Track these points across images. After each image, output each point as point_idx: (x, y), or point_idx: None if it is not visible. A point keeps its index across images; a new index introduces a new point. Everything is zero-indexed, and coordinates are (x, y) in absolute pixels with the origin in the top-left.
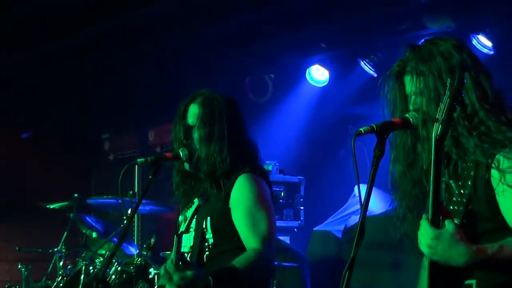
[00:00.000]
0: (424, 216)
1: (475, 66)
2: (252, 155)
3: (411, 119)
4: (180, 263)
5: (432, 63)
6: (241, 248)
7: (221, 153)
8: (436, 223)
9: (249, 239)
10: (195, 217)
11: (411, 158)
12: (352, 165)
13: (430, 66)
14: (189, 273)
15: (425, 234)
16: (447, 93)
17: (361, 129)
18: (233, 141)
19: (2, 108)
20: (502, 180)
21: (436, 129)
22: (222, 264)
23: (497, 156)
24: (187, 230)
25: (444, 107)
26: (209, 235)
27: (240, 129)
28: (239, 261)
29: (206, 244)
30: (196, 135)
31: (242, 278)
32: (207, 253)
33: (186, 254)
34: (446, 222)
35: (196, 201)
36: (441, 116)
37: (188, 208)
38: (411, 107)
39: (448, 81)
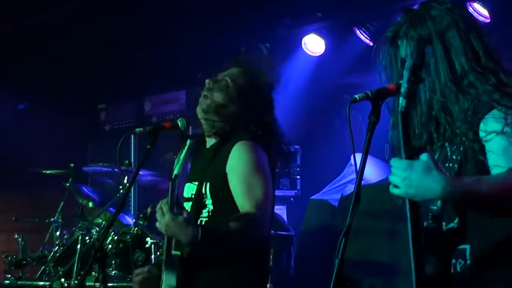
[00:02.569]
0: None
1: (468, 28)
2: (259, 122)
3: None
4: (175, 207)
5: (422, 27)
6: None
7: (230, 117)
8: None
9: (244, 204)
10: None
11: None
12: (348, 135)
13: (420, 31)
14: (180, 217)
15: (397, 169)
16: (406, 66)
17: (356, 96)
18: (243, 107)
19: None
20: (489, 138)
21: (400, 103)
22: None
23: (483, 120)
24: (179, 173)
25: (405, 79)
26: (208, 201)
27: (253, 96)
28: (231, 222)
29: (205, 210)
30: (218, 95)
31: (232, 238)
32: (205, 219)
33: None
34: (421, 155)
35: (188, 142)
36: (403, 90)
37: (181, 151)
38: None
39: (408, 52)
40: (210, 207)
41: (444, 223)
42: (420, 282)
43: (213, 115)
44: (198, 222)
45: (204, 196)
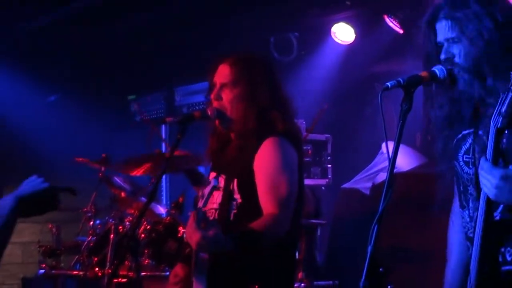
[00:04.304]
0: (483, 158)
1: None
2: (285, 116)
3: (437, 72)
4: (202, 222)
5: (467, 9)
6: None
7: (251, 113)
8: (497, 164)
9: (267, 203)
10: (224, 176)
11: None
12: (379, 123)
13: (466, 11)
14: (210, 234)
15: (490, 175)
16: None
17: (387, 84)
18: (264, 102)
19: (29, 72)
20: None
21: (495, 121)
22: (248, 223)
23: None
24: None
25: (506, 100)
26: (236, 195)
27: (272, 89)
28: (255, 227)
29: (234, 203)
30: (226, 94)
31: (258, 242)
32: (234, 211)
33: (214, 211)
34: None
35: (214, 181)
36: (502, 108)
37: (207, 185)
38: (442, 56)
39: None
40: (239, 200)
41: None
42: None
43: (235, 126)
44: (228, 214)
45: (232, 190)
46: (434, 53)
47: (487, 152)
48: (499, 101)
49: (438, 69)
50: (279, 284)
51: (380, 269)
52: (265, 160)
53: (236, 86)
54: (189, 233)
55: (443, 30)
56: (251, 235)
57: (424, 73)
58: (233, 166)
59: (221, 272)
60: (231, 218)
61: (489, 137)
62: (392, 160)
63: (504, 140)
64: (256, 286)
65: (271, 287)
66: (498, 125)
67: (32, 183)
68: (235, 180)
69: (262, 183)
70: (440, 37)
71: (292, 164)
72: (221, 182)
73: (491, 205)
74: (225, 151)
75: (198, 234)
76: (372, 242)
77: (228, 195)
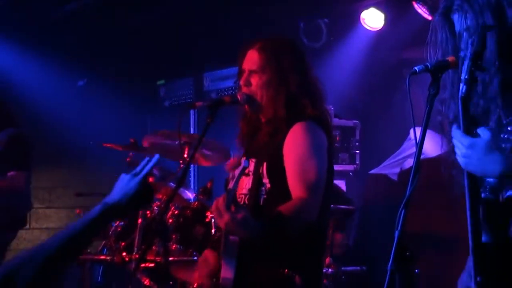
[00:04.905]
0: (454, 126)
1: None
2: (315, 101)
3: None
4: (232, 204)
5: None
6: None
7: (280, 99)
8: (470, 132)
9: (296, 187)
10: (254, 161)
11: None
12: (408, 109)
13: (473, 3)
14: (239, 216)
15: (459, 143)
16: (467, 54)
17: (415, 68)
18: (293, 87)
19: (58, 57)
20: None
21: (461, 89)
22: (278, 207)
23: None
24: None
25: (465, 68)
26: (265, 180)
27: (301, 74)
28: (284, 211)
29: (263, 188)
30: (255, 80)
31: (286, 226)
32: (264, 196)
33: (244, 196)
34: (480, 130)
35: (245, 162)
36: (464, 76)
37: (238, 166)
38: (462, 45)
39: (469, 41)
40: (268, 185)
41: (501, 194)
42: (478, 251)
43: (264, 112)
44: (257, 199)
45: (262, 175)
46: (453, 41)
47: (459, 120)
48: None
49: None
50: (309, 269)
51: (407, 253)
52: (294, 144)
53: (264, 72)
54: (218, 214)
55: (458, 21)
56: (279, 220)
57: (451, 58)
58: (263, 151)
59: (251, 256)
60: (261, 203)
61: (458, 105)
62: (420, 145)
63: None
64: (286, 270)
65: (300, 272)
66: (462, 92)
67: (120, 185)
68: (265, 164)
69: (291, 168)
70: (457, 28)
71: (321, 149)
72: (251, 166)
73: (474, 182)
74: (256, 136)
75: (227, 215)
76: (400, 226)
77: (257, 180)
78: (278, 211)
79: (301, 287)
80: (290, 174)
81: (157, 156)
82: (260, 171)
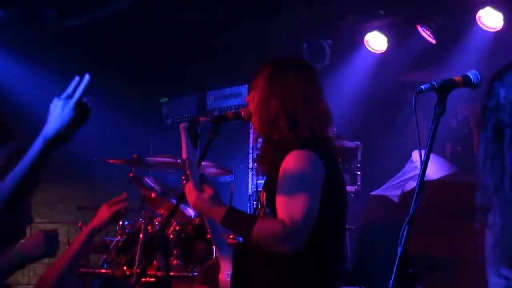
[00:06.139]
0: None
1: None
2: (317, 124)
3: (472, 77)
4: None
5: None
6: None
7: (277, 119)
8: None
9: (282, 215)
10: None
11: None
12: (410, 132)
13: None
14: (205, 194)
15: None
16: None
17: (421, 86)
18: (292, 108)
19: (61, 72)
20: None
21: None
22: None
23: None
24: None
25: None
26: (267, 210)
27: (305, 94)
28: (262, 223)
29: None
30: (253, 97)
31: (250, 233)
32: None
33: None
34: None
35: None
36: None
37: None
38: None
39: None
40: (267, 210)
41: None
42: None
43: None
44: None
45: (263, 205)
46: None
47: None
48: None
49: (472, 74)
50: None
51: (410, 270)
52: (285, 174)
53: (261, 89)
54: (187, 192)
55: None
56: (242, 220)
57: (458, 78)
58: (265, 180)
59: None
60: None
61: None
62: (425, 161)
63: None
64: None
65: None
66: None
67: (55, 114)
68: (264, 195)
69: (279, 197)
70: None
71: (313, 180)
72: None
73: None
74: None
75: (194, 193)
76: (403, 243)
77: (261, 210)
78: (256, 217)
79: None
80: (278, 204)
81: (87, 76)
82: (262, 200)
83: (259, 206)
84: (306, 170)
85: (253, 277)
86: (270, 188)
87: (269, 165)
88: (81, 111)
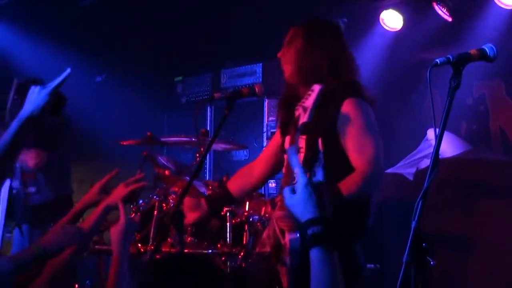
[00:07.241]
0: None
1: None
2: (354, 71)
3: (487, 50)
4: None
5: None
6: (350, 169)
7: (321, 68)
8: None
9: (357, 162)
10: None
11: None
12: (425, 110)
13: None
14: None
15: None
16: None
17: (436, 60)
18: (335, 58)
19: (76, 53)
20: None
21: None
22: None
23: None
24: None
25: None
26: (320, 155)
27: (341, 48)
28: (344, 183)
29: (318, 163)
30: (291, 50)
31: (343, 200)
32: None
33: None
34: None
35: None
36: None
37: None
38: None
39: None
40: (322, 161)
41: None
42: None
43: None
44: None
45: (317, 149)
46: None
47: None
48: None
49: (488, 47)
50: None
51: (424, 244)
52: (351, 120)
53: (305, 42)
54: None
55: None
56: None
57: (473, 51)
58: (315, 126)
59: None
60: None
61: None
62: (439, 136)
63: None
64: None
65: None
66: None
67: (31, 98)
68: (320, 139)
69: (350, 144)
70: None
71: (374, 125)
72: (301, 142)
73: None
74: (291, 110)
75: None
76: (417, 217)
77: (311, 155)
78: (338, 189)
79: None
80: (350, 150)
81: (68, 70)
82: (315, 145)
83: (300, 148)
84: (370, 116)
85: None
86: (312, 131)
87: (306, 110)
88: (56, 99)
